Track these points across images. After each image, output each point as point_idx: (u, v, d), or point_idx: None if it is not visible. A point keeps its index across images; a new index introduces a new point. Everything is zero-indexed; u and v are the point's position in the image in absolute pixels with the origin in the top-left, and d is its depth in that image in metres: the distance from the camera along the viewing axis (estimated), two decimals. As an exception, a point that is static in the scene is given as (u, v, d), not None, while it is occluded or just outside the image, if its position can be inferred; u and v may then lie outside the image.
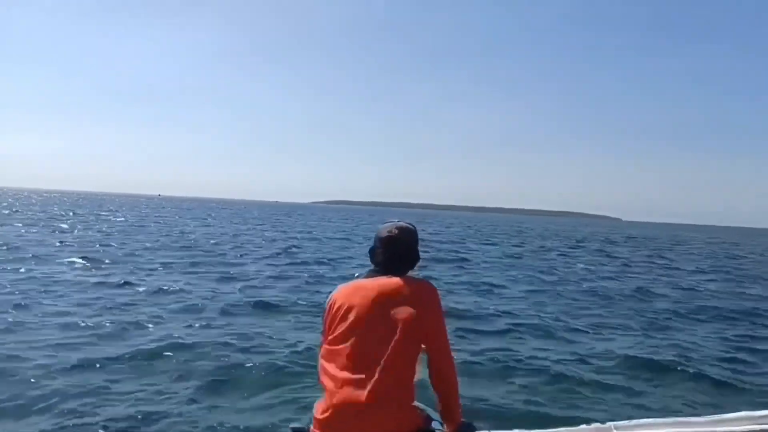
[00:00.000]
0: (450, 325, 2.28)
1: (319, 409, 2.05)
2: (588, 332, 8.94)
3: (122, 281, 11.55)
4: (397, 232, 2.29)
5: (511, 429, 2.78)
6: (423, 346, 2.12)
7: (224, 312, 9.10)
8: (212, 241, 24.11)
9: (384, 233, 2.30)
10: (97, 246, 19.16)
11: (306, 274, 14.49)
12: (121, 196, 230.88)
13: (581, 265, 21.27)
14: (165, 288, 10.96)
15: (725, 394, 5.99)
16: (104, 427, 4.46)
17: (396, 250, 2.27)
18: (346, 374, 2.02)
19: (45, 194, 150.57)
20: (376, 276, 2.23)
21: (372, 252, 2.33)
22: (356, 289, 2.18)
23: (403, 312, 2.07)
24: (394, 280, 2.17)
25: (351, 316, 2.10)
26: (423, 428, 2.07)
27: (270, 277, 13.83)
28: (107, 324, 7.74)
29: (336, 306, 2.16)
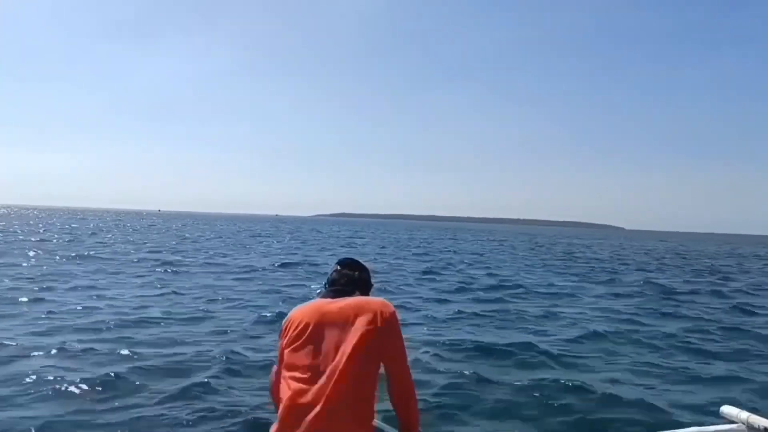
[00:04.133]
0: None
1: (273, 428, 2.07)
2: None
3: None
4: (351, 260, 2.53)
5: None
6: (382, 364, 2.16)
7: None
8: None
9: (340, 260, 2.53)
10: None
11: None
12: (120, 212, 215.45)
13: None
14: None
15: None
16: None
17: (351, 275, 2.41)
18: (302, 387, 2.04)
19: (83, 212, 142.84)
20: (332, 296, 2.30)
21: (328, 279, 2.44)
22: (314, 307, 2.23)
23: (361, 328, 2.10)
24: (353, 299, 2.25)
25: (309, 333, 2.14)
26: None
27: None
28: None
29: (294, 324, 2.20)
